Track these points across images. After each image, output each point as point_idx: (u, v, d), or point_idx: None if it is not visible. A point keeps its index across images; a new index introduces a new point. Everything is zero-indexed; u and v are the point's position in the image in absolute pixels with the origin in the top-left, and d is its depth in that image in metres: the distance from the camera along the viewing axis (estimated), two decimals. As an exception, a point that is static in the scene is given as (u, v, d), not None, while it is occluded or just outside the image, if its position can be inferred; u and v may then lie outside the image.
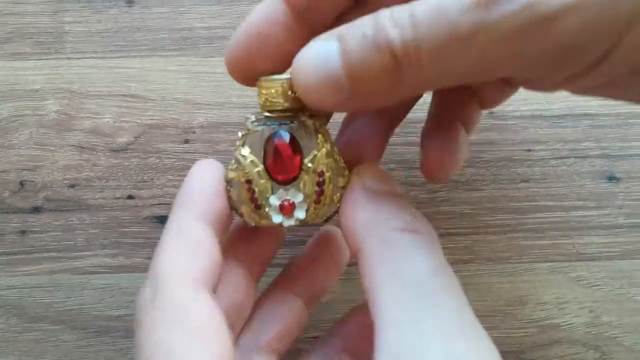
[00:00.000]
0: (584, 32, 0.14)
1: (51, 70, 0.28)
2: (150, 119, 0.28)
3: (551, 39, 0.14)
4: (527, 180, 0.28)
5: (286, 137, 0.19)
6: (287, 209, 0.19)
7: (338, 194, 0.19)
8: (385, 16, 0.15)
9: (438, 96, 0.24)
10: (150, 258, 0.27)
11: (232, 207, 0.20)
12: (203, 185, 0.19)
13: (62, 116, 0.28)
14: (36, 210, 0.27)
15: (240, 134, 0.20)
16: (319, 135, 0.19)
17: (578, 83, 0.16)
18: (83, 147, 0.28)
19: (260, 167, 0.19)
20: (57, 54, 0.29)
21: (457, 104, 0.23)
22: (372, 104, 0.17)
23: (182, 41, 0.29)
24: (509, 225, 0.28)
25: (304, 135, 0.19)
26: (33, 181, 0.28)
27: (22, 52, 0.29)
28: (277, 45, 0.19)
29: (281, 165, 0.19)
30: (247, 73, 0.20)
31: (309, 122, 0.19)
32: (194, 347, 0.16)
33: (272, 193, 0.19)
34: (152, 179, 0.28)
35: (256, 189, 0.19)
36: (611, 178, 0.28)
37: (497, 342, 0.27)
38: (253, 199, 0.19)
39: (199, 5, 0.29)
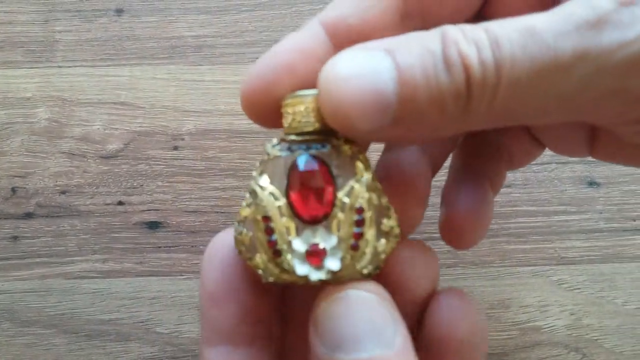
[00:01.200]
0: None
1: (42, 78, 0.29)
2: (140, 126, 0.29)
3: None
4: (509, 185, 0.29)
5: (314, 164, 0.15)
6: (315, 257, 0.15)
7: (382, 241, 0.15)
8: (455, 31, 0.13)
9: (463, 148, 0.21)
10: (140, 263, 0.28)
11: (243, 257, 0.16)
12: (209, 289, 0.16)
13: (53, 124, 0.29)
14: (28, 216, 0.28)
15: (258, 163, 0.16)
16: (358, 164, 0.15)
17: None
18: (74, 154, 0.28)
19: (282, 202, 0.15)
20: (48, 63, 0.29)
21: (486, 160, 0.21)
22: (415, 135, 0.14)
23: (170, 50, 0.29)
24: (492, 230, 0.28)
25: (339, 163, 0.15)
26: (25, 187, 0.28)
27: (13, 60, 0.29)
28: (306, 82, 0.15)
29: (309, 199, 0.15)
30: (266, 109, 0.16)
31: (345, 147, 0.15)
32: None
33: (297, 235, 0.15)
34: (142, 185, 0.28)
35: (276, 230, 0.15)
36: (592, 183, 0.29)
37: (480, 344, 0.28)
38: (271, 243, 0.15)
39: (188, 14, 0.29)
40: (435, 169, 0.20)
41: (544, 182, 0.29)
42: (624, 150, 0.18)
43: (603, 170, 0.29)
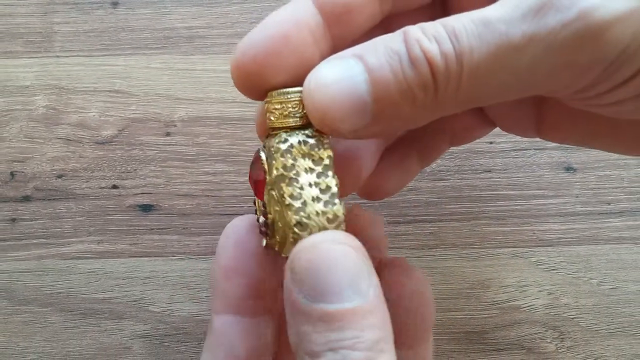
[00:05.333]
0: (634, 41, 0.13)
1: (41, 67, 0.30)
2: (134, 113, 0.30)
3: (603, 47, 0.13)
4: (489, 170, 0.30)
5: (256, 155, 0.17)
6: (262, 232, 0.18)
7: (291, 235, 0.16)
8: (415, 30, 0.14)
9: None
10: (133, 244, 0.29)
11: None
12: (222, 263, 0.18)
13: (51, 111, 0.30)
14: (26, 199, 0.29)
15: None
16: (312, 153, 0.16)
17: (606, 98, 0.15)
18: (70, 140, 0.29)
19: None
20: (47, 53, 0.30)
21: (421, 134, 0.22)
22: (396, 128, 0.16)
23: (164, 40, 0.30)
24: (473, 212, 0.30)
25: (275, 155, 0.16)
26: (23, 172, 0.29)
27: (13, 50, 0.30)
28: (300, 53, 0.16)
29: (252, 182, 0.18)
30: (256, 81, 0.16)
31: (308, 140, 0.16)
32: None
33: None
34: (135, 169, 0.29)
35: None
36: (568, 169, 0.30)
37: (461, 323, 0.29)
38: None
39: (180, 6, 0.31)
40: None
41: (523, 167, 0.30)
42: (567, 131, 0.20)
43: (579, 156, 0.30)
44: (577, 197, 0.30)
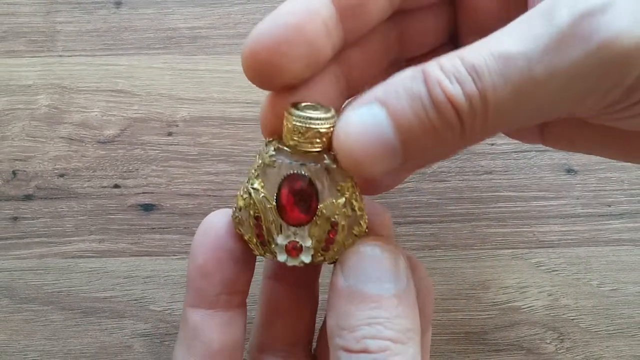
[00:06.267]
0: None
1: (43, 67, 0.30)
2: (136, 113, 0.30)
3: (625, 74, 0.14)
4: (490, 172, 0.30)
5: (305, 181, 0.17)
6: (293, 251, 0.18)
7: (350, 240, 0.18)
8: (435, 70, 0.14)
9: None
10: (134, 243, 0.29)
11: (239, 233, 0.19)
12: (198, 262, 0.18)
13: (53, 110, 0.30)
14: (27, 198, 0.29)
15: (258, 160, 0.18)
16: (341, 184, 0.17)
17: (623, 113, 0.15)
18: (72, 139, 0.30)
19: (273, 205, 0.17)
20: (49, 52, 0.30)
21: None
22: (427, 163, 0.17)
23: (166, 40, 0.30)
24: (473, 214, 0.30)
25: (325, 179, 0.17)
26: (25, 171, 0.29)
27: (16, 50, 0.30)
28: (312, 43, 0.16)
29: (295, 210, 0.17)
30: (267, 71, 0.16)
31: (332, 167, 0.17)
32: None
33: (280, 232, 0.18)
34: (137, 169, 0.29)
35: (264, 227, 0.18)
36: (569, 170, 0.30)
37: (461, 323, 0.29)
38: (260, 235, 0.18)
39: (183, 7, 0.31)
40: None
41: (524, 169, 0.30)
42: (573, 140, 0.21)
43: (580, 158, 0.30)
44: (577, 199, 0.30)
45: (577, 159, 0.30)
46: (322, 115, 0.16)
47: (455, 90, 0.14)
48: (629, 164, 0.30)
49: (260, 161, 0.18)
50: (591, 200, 0.30)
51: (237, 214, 0.18)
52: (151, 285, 0.29)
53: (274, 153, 0.17)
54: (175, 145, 0.30)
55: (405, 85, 0.14)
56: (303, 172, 0.17)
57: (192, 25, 0.31)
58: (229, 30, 0.31)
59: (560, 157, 0.30)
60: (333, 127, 0.16)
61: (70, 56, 0.30)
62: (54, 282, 0.29)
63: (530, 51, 0.14)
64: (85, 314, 0.28)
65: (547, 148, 0.30)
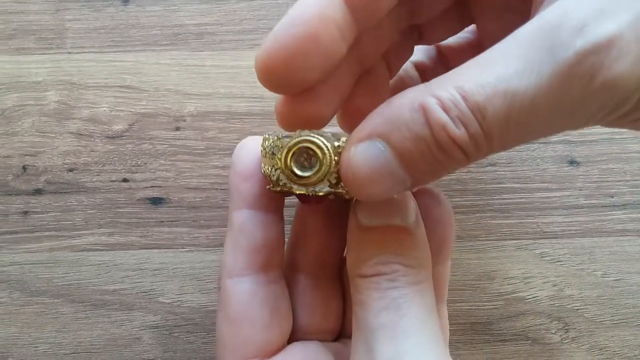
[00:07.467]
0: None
1: (52, 64, 0.31)
2: (144, 108, 0.30)
3: (625, 105, 0.14)
4: (493, 164, 0.30)
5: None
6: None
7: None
8: (436, 110, 0.14)
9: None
10: (143, 236, 0.29)
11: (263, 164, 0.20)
12: (239, 170, 0.21)
13: (62, 106, 0.30)
14: (37, 192, 0.29)
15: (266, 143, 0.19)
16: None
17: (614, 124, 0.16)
18: (81, 134, 0.30)
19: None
20: (58, 49, 0.31)
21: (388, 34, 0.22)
22: (436, 181, 0.18)
23: (173, 37, 0.31)
24: (478, 205, 0.30)
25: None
26: (35, 165, 0.30)
27: (25, 47, 0.31)
28: (328, 50, 0.16)
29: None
30: (282, 79, 0.16)
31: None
32: (232, 334, 0.20)
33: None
34: (145, 163, 0.30)
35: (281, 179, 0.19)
36: (572, 162, 0.30)
37: (467, 314, 0.29)
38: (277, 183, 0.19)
39: (189, 4, 0.31)
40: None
41: (527, 160, 0.30)
42: None
43: (583, 149, 0.30)
44: (580, 190, 0.30)
45: (580, 150, 0.30)
46: (310, 174, 0.18)
47: (460, 133, 0.14)
48: (632, 154, 0.30)
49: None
50: (594, 191, 0.30)
51: (262, 148, 0.20)
52: (160, 277, 0.29)
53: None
54: (182, 139, 0.30)
55: (407, 123, 0.14)
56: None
57: (198, 22, 0.31)
58: (235, 27, 0.31)
59: (563, 149, 0.30)
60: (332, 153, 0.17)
61: (79, 53, 0.31)
62: (64, 275, 0.29)
63: (533, 87, 0.13)
64: (95, 307, 0.29)
65: (550, 140, 0.30)
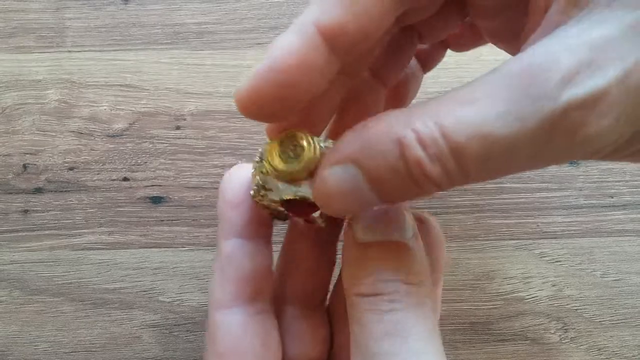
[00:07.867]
0: (617, 122, 0.13)
1: (53, 62, 0.31)
2: (144, 107, 0.30)
3: (601, 151, 0.14)
4: (493, 163, 0.30)
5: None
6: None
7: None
8: (414, 146, 0.14)
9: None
10: (143, 235, 0.29)
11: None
12: (227, 198, 0.20)
13: (63, 104, 0.30)
14: (38, 191, 0.30)
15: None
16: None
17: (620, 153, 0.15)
18: (82, 133, 0.30)
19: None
20: (59, 48, 0.31)
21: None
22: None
23: (174, 36, 0.31)
24: (477, 205, 0.30)
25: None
26: (35, 164, 0.30)
27: (26, 45, 0.31)
28: (309, 94, 0.16)
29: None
30: (264, 117, 0.17)
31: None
32: None
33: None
34: (146, 162, 0.30)
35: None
36: (572, 162, 0.30)
37: (467, 314, 0.29)
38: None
39: (190, 3, 0.31)
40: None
41: (527, 161, 0.30)
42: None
43: (583, 150, 0.30)
44: (580, 190, 0.30)
45: (580, 150, 0.30)
46: (294, 164, 0.18)
47: (435, 170, 0.14)
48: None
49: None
50: (594, 191, 0.30)
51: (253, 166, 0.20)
52: (160, 276, 0.29)
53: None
54: (183, 138, 0.30)
55: (382, 152, 0.14)
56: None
57: (198, 21, 0.31)
58: (235, 26, 0.31)
59: (563, 149, 0.30)
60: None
61: (79, 51, 0.31)
62: (64, 273, 0.29)
63: (515, 134, 0.13)
64: (95, 305, 0.29)
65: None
